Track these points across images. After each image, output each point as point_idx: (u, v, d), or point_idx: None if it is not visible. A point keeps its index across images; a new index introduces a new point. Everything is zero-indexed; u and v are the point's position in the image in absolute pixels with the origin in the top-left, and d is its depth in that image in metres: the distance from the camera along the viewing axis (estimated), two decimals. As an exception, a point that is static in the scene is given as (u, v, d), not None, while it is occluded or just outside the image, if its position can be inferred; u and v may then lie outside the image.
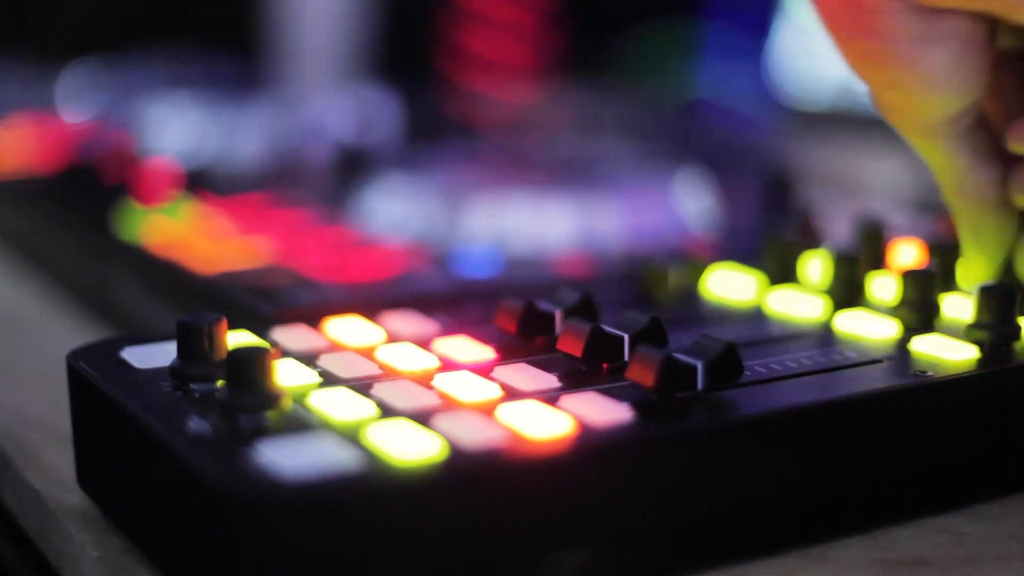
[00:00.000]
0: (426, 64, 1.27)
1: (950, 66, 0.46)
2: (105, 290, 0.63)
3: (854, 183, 0.92)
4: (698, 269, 0.52)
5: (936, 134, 0.48)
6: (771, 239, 0.53)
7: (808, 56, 1.03)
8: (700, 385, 0.40)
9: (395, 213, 0.63)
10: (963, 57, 0.46)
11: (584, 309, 0.45)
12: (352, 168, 0.73)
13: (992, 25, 0.46)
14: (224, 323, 0.42)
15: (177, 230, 0.63)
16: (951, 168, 0.49)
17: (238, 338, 0.45)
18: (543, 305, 0.46)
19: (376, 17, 1.28)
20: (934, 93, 0.46)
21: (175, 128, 0.82)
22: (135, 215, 0.66)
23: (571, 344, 0.43)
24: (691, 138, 1.03)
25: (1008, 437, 0.44)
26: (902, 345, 0.45)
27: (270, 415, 0.38)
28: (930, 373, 0.43)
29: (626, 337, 0.42)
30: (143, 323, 0.59)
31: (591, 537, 0.37)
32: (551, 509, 0.37)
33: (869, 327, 0.47)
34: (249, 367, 0.38)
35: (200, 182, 0.71)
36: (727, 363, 0.40)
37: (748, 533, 0.40)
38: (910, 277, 0.48)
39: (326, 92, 1.01)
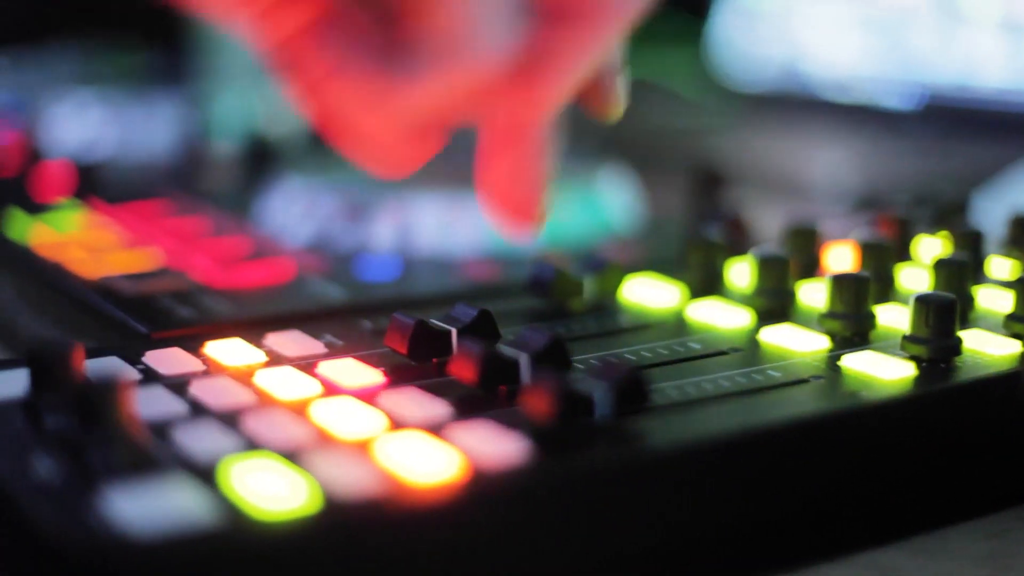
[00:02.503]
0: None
1: None
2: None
3: (795, 167, 0.89)
4: (615, 277, 0.48)
5: None
6: (695, 243, 0.50)
7: (750, 37, 0.99)
8: (602, 412, 0.36)
9: (293, 216, 0.59)
10: None
11: (482, 327, 0.42)
12: (259, 164, 0.69)
13: None
14: (80, 350, 0.38)
15: (64, 238, 0.59)
16: None
17: (103, 364, 0.41)
18: (437, 323, 0.42)
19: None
20: None
21: (76, 127, 0.78)
22: (24, 218, 0.62)
23: (464, 368, 0.39)
24: (627, 123, 0.99)
25: (946, 464, 0.40)
26: (832, 362, 0.42)
27: (124, 455, 0.34)
28: (859, 395, 0.39)
29: (523, 358, 0.38)
30: (20, 333, 0.55)
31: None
32: (437, 561, 0.33)
33: (797, 341, 0.43)
34: (99, 401, 0.34)
35: (95, 186, 0.67)
36: (632, 389, 0.36)
37: (659, 574, 0.36)
38: (840, 283, 0.44)
39: (240, 85, 0.97)
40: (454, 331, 0.41)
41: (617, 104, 0.45)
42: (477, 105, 0.41)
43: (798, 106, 0.97)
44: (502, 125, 0.43)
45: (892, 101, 0.90)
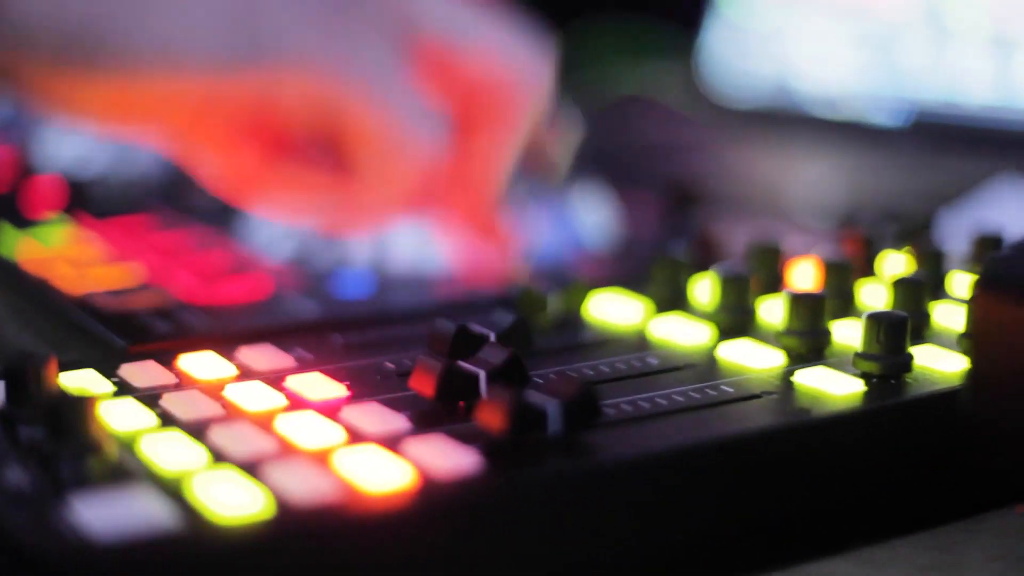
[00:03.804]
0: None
1: None
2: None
3: (783, 185, 0.90)
4: (580, 293, 0.50)
5: None
6: (659, 260, 0.51)
7: (740, 53, 1.00)
8: (554, 428, 0.37)
9: (275, 233, 0.60)
10: None
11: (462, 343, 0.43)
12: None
13: None
14: (54, 363, 0.40)
15: (51, 253, 0.60)
16: None
17: (79, 376, 0.43)
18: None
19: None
20: None
21: (70, 143, 0.79)
22: (15, 231, 0.63)
23: (422, 382, 0.40)
24: (619, 137, 1.00)
25: (895, 477, 0.41)
26: (786, 377, 0.43)
27: (92, 464, 0.36)
28: (809, 411, 0.40)
29: (482, 374, 0.40)
30: (5, 346, 0.56)
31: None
32: (388, 566, 0.34)
33: (753, 356, 0.44)
34: (69, 414, 0.36)
35: (84, 201, 0.68)
36: (583, 405, 0.37)
37: (608, 586, 0.37)
38: (796, 301, 0.45)
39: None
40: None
41: (558, 168, 0.51)
42: (428, 204, 0.50)
43: (786, 122, 0.97)
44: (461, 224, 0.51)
45: (880, 118, 0.91)
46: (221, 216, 0.64)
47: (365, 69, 0.45)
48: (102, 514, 0.33)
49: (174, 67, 0.43)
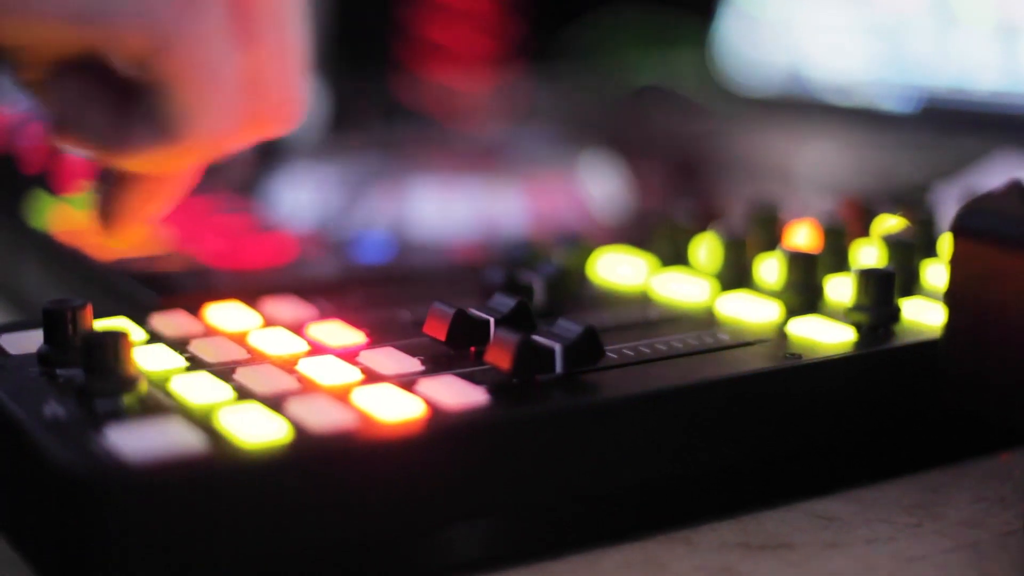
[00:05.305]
0: (383, 53, 1.26)
1: None
2: (11, 276, 0.63)
3: (795, 168, 0.91)
4: (585, 252, 0.52)
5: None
6: (662, 222, 0.53)
7: (754, 42, 1.02)
8: (559, 368, 0.39)
9: (299, 199, 0.62)
10: None
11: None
12: (270, 155, 0.73)
13: None
14: (89, 309, 0.42)
15: (83, 219, 0.63)
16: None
17: (112, 324, 0.45)
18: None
19: (331, 5, 1.27)
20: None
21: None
22: (47, 204, 0.66)
23: (436, 328, 0.42)
24: (636, 125, 1.02)
25: (883, 420, 0.44)
26: (780, 328, 0.45)
27: (125, 399, 0.38)
28: (800, 355, 0.42)
29: (491, 321, 0.42)
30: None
31: (441, 521, 0.37)
32: (399, 493, 0.36)
33: (750, 310, 0.47)
34: (102, 351, 0.38)
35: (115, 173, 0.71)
36: (586, 346, 0.40)
37: (607, 517, 0.40)
38: (793, 259, 0.47)
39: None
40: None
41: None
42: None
43: (799, 109, 0.99)
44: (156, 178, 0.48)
45: (890, 104, 0.93)
46: (248, 186, 0.67)
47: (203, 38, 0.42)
48: (135, 440, 0.35)
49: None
